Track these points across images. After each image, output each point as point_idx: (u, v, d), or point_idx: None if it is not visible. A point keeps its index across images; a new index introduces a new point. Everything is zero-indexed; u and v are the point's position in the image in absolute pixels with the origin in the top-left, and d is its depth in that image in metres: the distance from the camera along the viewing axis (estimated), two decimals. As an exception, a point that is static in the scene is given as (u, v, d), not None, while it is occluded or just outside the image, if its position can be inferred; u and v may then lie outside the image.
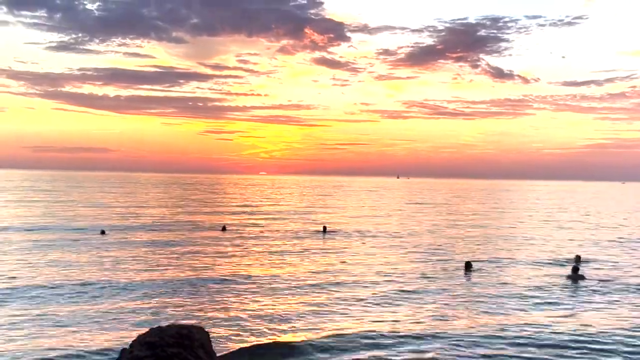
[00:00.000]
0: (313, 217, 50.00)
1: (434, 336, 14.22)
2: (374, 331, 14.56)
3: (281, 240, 33.30)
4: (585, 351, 13.39)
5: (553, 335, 14.46)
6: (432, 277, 22.16)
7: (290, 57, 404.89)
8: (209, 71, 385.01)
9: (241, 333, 14.22)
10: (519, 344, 13.71)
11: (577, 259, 26.72)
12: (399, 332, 14.47)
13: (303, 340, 13.45)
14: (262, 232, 37.87)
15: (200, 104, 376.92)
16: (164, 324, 9.41)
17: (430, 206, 72.85)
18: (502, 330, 14.89)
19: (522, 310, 17.17)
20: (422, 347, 13.36)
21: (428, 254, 28.63)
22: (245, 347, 12.93)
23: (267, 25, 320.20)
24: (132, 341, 7.75)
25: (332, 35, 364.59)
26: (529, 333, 14.64)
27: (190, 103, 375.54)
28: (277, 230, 38.75)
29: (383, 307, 17.24)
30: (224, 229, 38.39)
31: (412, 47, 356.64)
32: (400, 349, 13.25)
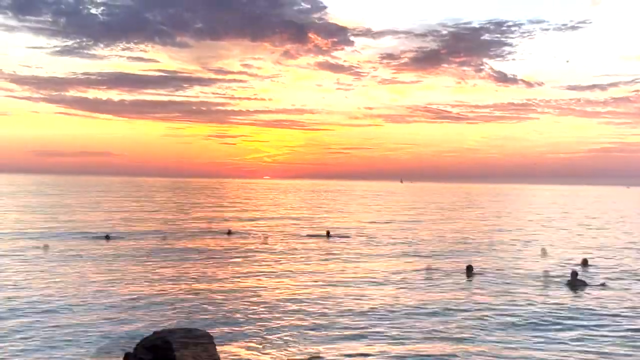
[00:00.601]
0: (316, 222, 50.10)
1: (435, 339, 14.35)
2: (381, 334, 14.68)
3: (285, 245, 33.41)
4: (588, 356, 13.49)
5: (553, 339, 14.56)
6: (434, 281, 22.26)
7: (293, 62, 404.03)
8: (212, 75, 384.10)
9: (244, 339, 14.35)
10: (518, 349, 13.81)
11: (584, 262, 26.77)
12: (402, 335, 14.60)
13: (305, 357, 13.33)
14: (266, 236, 37.97)
15: (204, 109, 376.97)
16: (169, 328, 9.57)
17: (433, 210, 72.83)
18: (502, 332, 15.00)
19: (521, 313, 17.24)
20: (425, 350, 13.48)
21: (430, 257, 28.70)
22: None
23: (271, 30, 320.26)
24: (136, 344, 7.91)
25: (335, 40, 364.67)
26: (528, 336, 14.74)
27: (194, 107, 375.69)
28: (281, 235, 38.86)
29: (386, 311, 17.34)
30: (229, 232, 38.72)
31: (415, 51, 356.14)
32: (405, 347, 13.36)
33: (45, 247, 29.63)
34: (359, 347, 13.80)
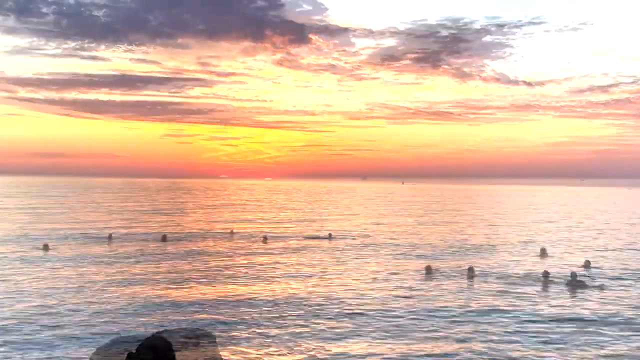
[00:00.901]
0: (318, 223, 50.13)
1: (436, 339, 14.40)
2: (381, 335, 14.74)
3: (288, 246, 33.48)
4: (587, 356, 13.53)
5: (553, 339, 14.61)
6: (435, 281, 22.31)
7: (295, 63, 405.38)
8: (214, 77, 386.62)
9: (246, 339, 14.42)
10: (518, 349, 13.87)
11: (587, 264, 26.77)
12: (402, 335, 14.65)
13: None
14: (266, 237, 38.02)
15: (206, 110, 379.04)
16: (170, 328, 9.62)
17: (435, 211, 72.84)
18: (502, 333, 15.05)
19: (522, 313, 17.29)
20: (425, 350, 13.53)
21: (431, 258, 28.73)
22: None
23: (272, 31, 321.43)
24: (138, 345, 7.98)
25: (337, 42, 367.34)
26: (528, 336, 14.79)
27: (195, 108, 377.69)
28: (283, 236, 38.90)
29: (386, 311, 17.40)
30: (231, 233, 38.98)
31: (417, 52, 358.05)
32: (405, 347, 13.41)
33: (45, 247, 29.72)
34: (360, 347, 13.86)
